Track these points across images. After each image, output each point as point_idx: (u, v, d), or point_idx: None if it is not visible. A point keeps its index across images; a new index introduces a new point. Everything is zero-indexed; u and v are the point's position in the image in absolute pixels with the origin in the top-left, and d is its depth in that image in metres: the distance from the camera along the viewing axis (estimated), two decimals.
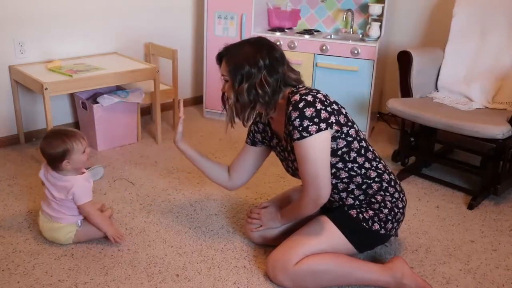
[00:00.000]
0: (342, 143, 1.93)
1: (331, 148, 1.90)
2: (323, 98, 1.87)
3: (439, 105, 2.99)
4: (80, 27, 3.43)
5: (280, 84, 1.93)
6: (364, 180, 2.00)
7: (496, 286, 2.09)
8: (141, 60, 3.66)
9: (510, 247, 2.36)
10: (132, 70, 3.24)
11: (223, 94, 2.05)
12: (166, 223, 2.46)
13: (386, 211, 2.02)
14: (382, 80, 3.89)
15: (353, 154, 1.97)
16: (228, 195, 2.74)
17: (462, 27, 3.16)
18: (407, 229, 2.46)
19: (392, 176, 2.09)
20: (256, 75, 1.88)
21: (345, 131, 1.93)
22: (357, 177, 1.99)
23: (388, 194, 2.04)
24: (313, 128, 1.81)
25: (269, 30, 3.87)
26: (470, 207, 2.69)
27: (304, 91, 1.88)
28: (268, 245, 2.22)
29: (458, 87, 3.10)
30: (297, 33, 3.80)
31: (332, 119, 1.86)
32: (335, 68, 3.54)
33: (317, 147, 1.83)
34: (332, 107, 1.89)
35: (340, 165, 1.96)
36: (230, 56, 1.94)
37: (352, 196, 2.02)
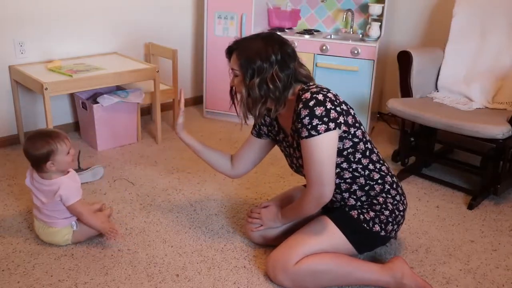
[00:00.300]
0: (348, 143, 1.93)
1: (337, 148, 1.90)
2: (333, 98, 1.87)
3: (439, 105, 2.99)
4: (80, 27, 3.43)
5: (291, 80, 1.92)
6: (367, 182, 2.00)
7: (496, 286, 2.09)
8: (141, 60, 3.66)
9: (510, 247, 2.36)
10: (132, 70, 3.24)
11: (231, 88, 2.04)
12: (166, 223, 2.46)
13: (387, 213, 2.02)
14: (382, 80, 3.89)
15: (358, 155, 1.97)
16: (228, 195, 2.75)
17: (462, 27, 3.16)
18: (407, 229, 2.46)
19: (394, 179, 2.09)
20: (268, 70, 1.88)
21: (352, 132, 1.93)
22: (361, 178, 2.00)
23: (390, 196, 2.04)
24: (322, 127, 1.81)
25: (269, 30, 3.87)
26: (470, 207, 2.69)
27: (315, 89, 1.88)
28: (268, 245, 2.22)
29: (458, 87, 3.10)
30: (297, 33, 3.80)
31: (341, 119, 1.86)
32: (335, 68, 3.54)
33: (325, 146, 1.83)
34: (341, 107, 1.89)
35: (344, 165, 1.96)
36: (241, 50, 1.92)
37: (354, 197, 2.02)
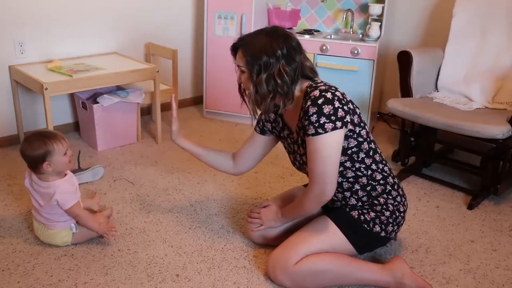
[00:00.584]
0: (353, 142, 1.93)
1: (342, 146, 1.90)
2: (341, 97, 1.87)
3: (439, 105, 2.99)
4: (80, 27, 3.43)
5: (298, 73, 1.92)
6: (369, 182, 2.00)
7: (496, 286, 2.09)
8: (141, 60, 3.66)
9: (510, 247, 2.36)
10: (132, 70, 3.24)
11: (240, 85, 2.03)
12: (166, 223, 2.45)
13: (387, 213, 2.02)
14: (382, 80, 3.89)
15: (361, 155, 1.97)
16: (228, 195, 2.75)
17: (462, 27, 3.16)
18: (407, 229, 2.46)
19: (396, 180, 2.09)
20: (274, 65, 1.87)
21: (357, 131, 1.93)
22: (363, 178, 2.00)
23: (391, 197, 2.04)
24: (329, 125, 1.81)
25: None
26: (470, 207, 2.69)
27: (323, 87, 1.88)
28: (268, 245, 2.22)
29: (458, 87, 3.10)
30: (297, 33, 3.79)
31: (348, 118, 1.86)
32: (335, 68, 3.54)
33: (330, 145, 1.84)
34: (348, 106, 1.89)
35: (348, 164, 1.96)
36: (246, 46, 1.91)
37: (356, 197, 2.02)
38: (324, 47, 3.54)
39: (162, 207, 2.61)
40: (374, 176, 2.01)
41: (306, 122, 1.84)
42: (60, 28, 3.34)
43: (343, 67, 3.52)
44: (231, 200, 2.70)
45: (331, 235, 1.99)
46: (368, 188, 2.01)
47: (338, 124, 1.83)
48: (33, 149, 2.07)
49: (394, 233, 2.08)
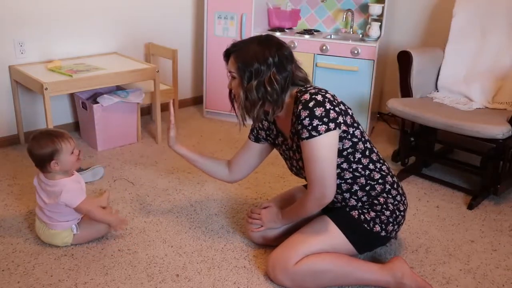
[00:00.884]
0: (347, 143, 1.93)
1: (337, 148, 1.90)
2: (331, 98, 1.87)
3: (439, 105, 2.99)
4: (80, 27, 3.43)
5: (288, 82, 1.93)
6: (368, 182, 2.00)
7: (496, 286, 2.09)
8: (141, 60, 3.66)
9: (510, 247, 2.36)
10: (132, 70, 3.24)
11: (230, 91, 2.04)
12: (166, 223, 2.46)
13: (387, 213, 2.02)
14: (382, 80, 3.89)
15: (358, 155, 1.97)
16: (228, 195, 2.75)
17: (462, 27, 3.16)
18: (407, 229, 2.46)
19: (395, 179, 2.09)
20: (265, 72, 1.88)
21: (351, 132, 1.93)
22: (361, 178, 1.99)
23: (390, 196, 2.04)
24: (322, 127, 1.81)
25: (269, 30, 3.87)
26: (470, 207, 2.69)
27: (313, 90, 1.88)
28: (269, 245, 2.22)
29: (458, 87, 3.10)
30: (297, 33, 3.80)
31: (340, 119, 1.86)
32: (335, 68, 3.54)
33: (325, 147, 1.84)
34: (340, 107, 1.89)
35: (344, 165, 1.96)
36: (238, 52, 1.92)
37: (355, 197, 2.02)
38: (324, 47, 3.54)
39: (162, 207, 2.61)
40: (372, 175, 2.01)
41: (299, 126, 1.84)
42: (60, 28, 3.34)
43: (343, 67, 3.52)
44: (231, 200, 2.70)
45: (331, 235, 1.99)
46: (367, 188, 2.01)
47: (331, 125, 1.83)
48: (41, 148, 2.08)
49: (394, 232, 2.08)
